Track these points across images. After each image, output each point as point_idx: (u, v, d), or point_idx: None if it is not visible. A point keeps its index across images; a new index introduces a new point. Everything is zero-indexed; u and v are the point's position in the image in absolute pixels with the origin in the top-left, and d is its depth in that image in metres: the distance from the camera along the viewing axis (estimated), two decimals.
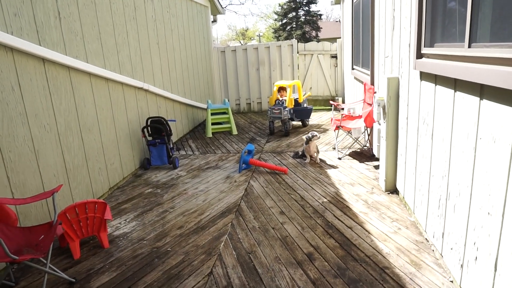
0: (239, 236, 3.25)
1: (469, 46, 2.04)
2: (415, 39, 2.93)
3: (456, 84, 2.22)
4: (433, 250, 2.77)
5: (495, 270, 1.79)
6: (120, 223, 3.63)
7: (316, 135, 5.11)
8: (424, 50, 2.83)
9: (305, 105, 7.58)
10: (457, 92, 2.21)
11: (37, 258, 2.70)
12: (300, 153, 5.46)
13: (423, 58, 2.84)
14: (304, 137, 5.18)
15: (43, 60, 3.36)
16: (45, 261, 2.54)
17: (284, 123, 6.87)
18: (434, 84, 2.61)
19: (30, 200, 2.63)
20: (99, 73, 4.23)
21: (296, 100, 7.28)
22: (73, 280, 2.69)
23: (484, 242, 1.91)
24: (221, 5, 9.95)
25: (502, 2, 1.83)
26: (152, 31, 5.94)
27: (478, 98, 1.93)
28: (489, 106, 1.82)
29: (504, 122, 1.67)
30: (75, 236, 3.03)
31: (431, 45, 2.76)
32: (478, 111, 1.94)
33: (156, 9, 6.15)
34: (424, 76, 2.83)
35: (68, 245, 3.04)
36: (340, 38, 9.36)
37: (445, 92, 2.40)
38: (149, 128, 5.31)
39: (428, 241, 2.90)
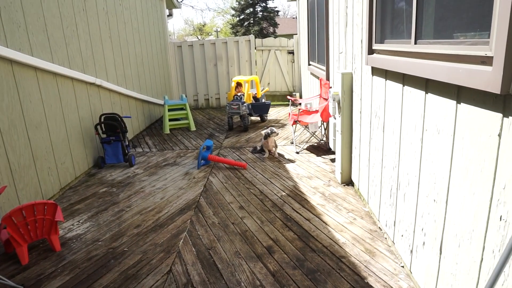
0: (198, 232, 3.22)
1: (415, 43, 2.15)
2: (366, 36, 3.04)
3: (404, 79, 2.33)
4: (386, 238, 2.90)
5: (440, 253, 1.91)
6: (73, 225, 3.46)
7: (275, 132, 5.17)
8: (375, 46, 2.94)
9: (263, 100, 7.63)
10: (405, 87, 2.32)
11: None
12: (258, 148, 5.50)
13: (374, 54, 2.95)
14: (263, 132, 5.22)
15: None
16: None
17: (243, 118, 6.88)
18: (384, 79, 2.73)
19: None
20: (45, 67, 3.99)
21: (254, 96, 7.32)
22: (21, 287, 2.52)
23: (431, 228, 2.03)
24: None
25: (443, 2, 1.94)
26: (103, 24, 5.69)
27: (424, 92, 2.04)
28: (434, 100, 1.93)
29: (446, 114, 1.78)
30: (22, 241, 2.85)
31: (382, 42, 2.87)
32: (424, 104, 2.05)
33: (108, 1, 5.89)
34: (376, 71, 2.94)
35: (15, 250, 2.85)
36: (296, 34, 9.50)
37: (395, 87, 2.52)
38: (102, 125, 5.10)
39: (381, 229, 3.04)
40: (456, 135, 1.70)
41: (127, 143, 5.24)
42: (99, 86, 5.37)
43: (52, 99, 4.17)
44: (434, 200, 1.96)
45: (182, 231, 3.24)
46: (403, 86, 2.36)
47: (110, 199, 4.03)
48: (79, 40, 4.85)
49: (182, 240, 3.09)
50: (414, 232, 2.28)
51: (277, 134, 5.23)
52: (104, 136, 5.17)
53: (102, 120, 5.09)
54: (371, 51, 3.01)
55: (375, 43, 2.96)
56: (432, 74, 1.81)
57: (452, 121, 1.73)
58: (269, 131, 5.15)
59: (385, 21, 2.84)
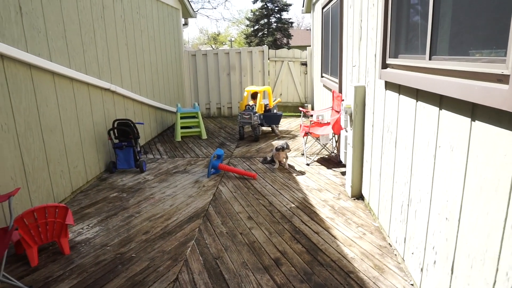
0: (206, 241, 3.21)
1: (430, 59, 2.14)
2: (380, 50, 3.04)
3: (418, 94, 2.32)
4: (396, 255, 2.85)
5: (452, 273, 1.87)
6: (82, 228, 3.49)
7: (288, 148, 5.14)
8: (389, 61, 2.93)
9: (275, 111, 7.65)
10: (419, 102, 2.31)
11: None
12: (269, 158, 5.49)
13: (388, 68, 2.94)
14: (275, 143, 5.19)
15: (2, 56, 3.20)
16: None
17: (254, 129, 6.90)
18: (398, 94, 2.71)
19: None
20: (63, 72, 4.08)
21: (266, 106, 7.33)
22: None
23: (442, 246, 1.99)
24: (192, 9, 9.89)
25: (459, 18, 1.94)
26: (120, 32, 5.81)
27: (438, 108, 2.02)
28: (448, 116, 1.91)
29: (461, 131, 1.76)
30: (33, 242, 2.89)
31: (396, 56, 2.86)
32: (437, 120, 2.03)
33: (126, 9, 6.02)
34: (389, 85, 2.93)
35: (25, 251, 2.89)
36: (310, 46, 9.54)
37: (408, 102, 2.50)
38: (115, 130, 5.17)
39: (391, 245, 2.99)
40: (470, 153, 1.68)
41: (138, 149, 5.30)
42: (113, 92, 5.46)
43: (68, 104, 4.25)
44: (446, 218, 1.93)
45: (190, 239, 3.24)
46: (417, 101, 2.34)
47: (120, 204, 4.06)
48: (96, 47, 4.96)
49: (189, 249, 3.09)
50: (425, 250, 2.24)
51: (290, 150, 5.19)
52: (116, 141, 5.23)
53: (115, 125, 5.16)
54: (384, 65, 3.01)
55: (389, 57, 2.95)
56: (447, 90, 1.80)
57: (466, 139, 1.71)
58: (284, 146, 5.12)
59: (400, 36, 2.84)
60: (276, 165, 5.28)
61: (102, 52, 5.15)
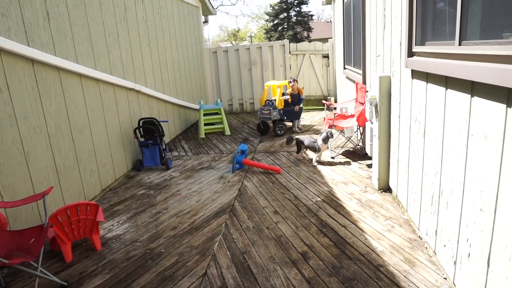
0: (233, 236, 3.23)
1: (460, 44, 2.06)
2: (406, 38, 2.95)
3: (447, 82, 2.24)
4: (426, 248, 2.78)
5: (488, 266, 1.81)
6: (112, 225, 3.59)
7: (332, 136, 5.06)
8: (415, 49, 2.84)
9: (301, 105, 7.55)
10: (448, 90, 2.23)
11: (28, 262, 2.66)
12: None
13: (414, 57, 2.85)
14: (322, 135, 5.05)
15: (32, 61, 3.31)
16: (36, 265, 2.50)
17: (275, 124, 6.88)
18: (425, 82, 2.63)
19: (20, 203, 2.59)
20: (89, 74, 4.19)
21: (286, 101, 7.23)
22: (65, 283, 2.65)
23: (477, 238, 1.92)
24: (212, 6, 9.93)
25: (491, 0, 1.85)
26: (143, 32, 5.90)
27: (469, 95, 1.94)
28: (480, 103, 1.83)
29: (495, 118, 1.69)
30: (67, 239, 2.99)
31: (422, 44, 2.77)
32: (469, 108, 1.95)
33: (147, 9, 6.11)
34: (416, 74, 2.85)
35: (60, 248, 3.00)
36: (331, 38, 9.39)
37: (437, 90, 2.42)
38: (141, 129, 5.27)
39: (421, 238, 2.92)
40: (506, 141, 1.61)
41: (164, 147, 5.38)
42: (138, 91, 5.57)
43: (95, 104, 4.37)
44: (481, 209, 1.86)
45: (217, 234, 3.27)
46: (446, 89, 2.26)
47: (147, 201, 4.15)
48: (120, 48, 5.06)
49: (217, 243, 3.12)
50: (458, 242, 2.17)
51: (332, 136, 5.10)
52: (142, 139, 5.34)
53: (141, 124, 5.26)
54: (411, 54, 2.92)
55: (415, 45, 2.86)
56: (479, 76, 1.72)
57: (501, 126, 1.64)
58: (328, 134, 5.02)
59: (426, 22, 2.74)
60: (300, 155, 5.25)
61: (126, 52, 5.25)
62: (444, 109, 2.30)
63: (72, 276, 2.78)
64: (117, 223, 3.63)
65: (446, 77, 2.24)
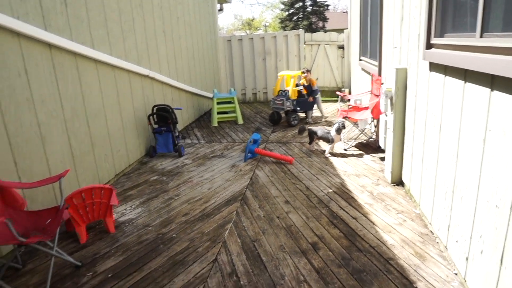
0: (244, 224, 3.26)
1: (481, 36, 2.01)
2: (424, 30, 2.89)
3: (467, 75, 2.19)
4: (438, 243, 2.76)
5: (501, 263, 1.79)
6: (126, 209, 3.66)
7: (344, 127, 5.04)
8: (434, 41, 2.78)
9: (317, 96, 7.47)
10: (467, 83, 2.18)
11: (44, 242, 2.74)
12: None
13: (433, 49, 2.79)
14: (334, 125, 5.02)
15: (50, 45, 3.35)
16: (52, 245, 2.57)
17: (288, 114, 6.85)
18: (443, 75, 2.58)
19: (37, 184, 2.65)
20: (105, 59, 4.22)
21: (300, 92, 7.18)
22: (79, 263, 2.72)
23: (491, 235, 1.90)
24: None
25: None
26: (158, 19, 5.90)
27: (489, 89, 1.90)
28: (500, 98, 1.79)
29: None
30: (82, 221, 3.06)
31: (441, 35, 2.71)
32: (488, 102, 1.91)
33: None
34: (433, 67, 2.79)
35: (75, 229, 3.07)
36: (347, 28, 9.25)
37: (455, 83, 2.37)
38: (155, 115, 5.32)
39: (433, 233, 2.90)
40: None
41: (177, 134, 5.43)
42: (152, 78, 5.60)
43: (110, 90, 4.41)
44: (496, 206, 1.83)
45: (228, 222, 3.31)
46: (465, 82, 2.21)
47: (160, 187, 4.21)
48: (135, 34, 5.08)
49: (228, 231, 3.15)
50: (471, 238, 2.15)
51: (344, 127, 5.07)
52: (156, 126, 5.38)
53: (155, 111, 5.31)
54: (429, 46, 2.86)
55: (434, 37, 2.80)
56: (501, 70, 1.68)
57: None
58: (340, 125, 4.97)
59: (446, 13, 2.68)
60: (312, 146, 5.24)
61: (141, 39, 5.27)
62: (462, 103, 2.26)
63: (86, 257, 2.85)
64: (130, 208, 3.69)
65: (465, 70, 2.19)
